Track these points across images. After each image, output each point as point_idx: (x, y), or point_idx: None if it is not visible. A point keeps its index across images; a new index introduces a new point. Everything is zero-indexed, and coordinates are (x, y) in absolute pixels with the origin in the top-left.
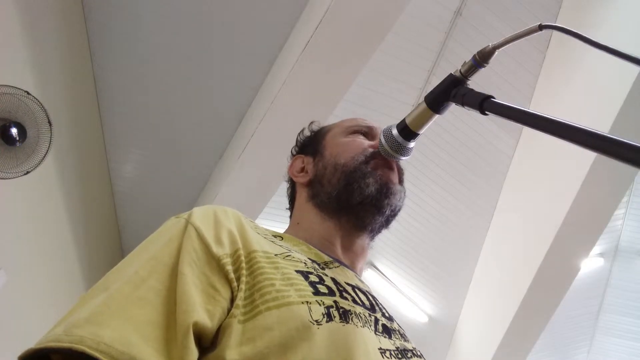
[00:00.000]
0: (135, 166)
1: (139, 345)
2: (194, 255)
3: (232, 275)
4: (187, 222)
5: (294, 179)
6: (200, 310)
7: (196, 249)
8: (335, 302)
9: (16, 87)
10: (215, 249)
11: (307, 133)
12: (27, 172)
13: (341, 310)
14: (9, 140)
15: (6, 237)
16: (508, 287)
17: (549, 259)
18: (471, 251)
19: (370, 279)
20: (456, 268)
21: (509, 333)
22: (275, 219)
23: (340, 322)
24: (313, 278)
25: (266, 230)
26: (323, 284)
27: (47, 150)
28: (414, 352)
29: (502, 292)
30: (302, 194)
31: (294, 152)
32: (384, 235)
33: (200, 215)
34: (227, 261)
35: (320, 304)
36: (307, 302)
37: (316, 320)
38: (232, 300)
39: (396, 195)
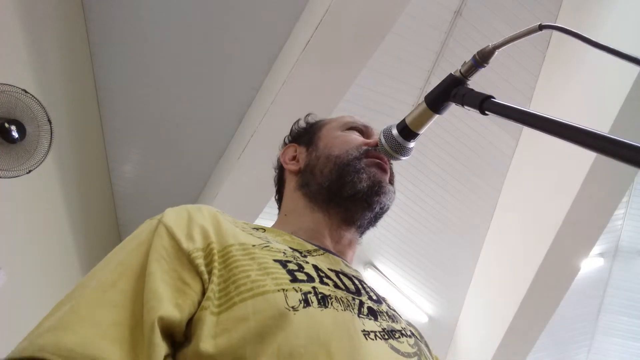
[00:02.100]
0: (135, 166)
1: (103, 347)
2: (164, 253)
3: (202, 269)
4: (159, 222)
5: (285, 165)
6: (168, 304)
7: (166, 246)
8: (313, 287)
9: (12, 85)
10: (185, 244)
11: (302, 124)
12: (29, 171)
13: (320, 295)
14: (9, 139)
15: (6, 237)
16: (508, 287)
17: (549, 259)
18: (471, 251)
19: (370, 279)
20: (456, 268)
21: (509, 333)
22: (275, 219)
23: (319, 307)
24: (292, 266)
25: (246, 224)
26: (302, 272)
27: (49, 148)
28: (403, 332)
29: (502, 292)
30: (291, 182)
31: (287, 141)
32: (384, 235)
33: (172, 215)
34: (198, 255)
35: (297, 291)
36: (284, 289)
37: (292, 307)
38: (204, 292)
39: (387, 194)
